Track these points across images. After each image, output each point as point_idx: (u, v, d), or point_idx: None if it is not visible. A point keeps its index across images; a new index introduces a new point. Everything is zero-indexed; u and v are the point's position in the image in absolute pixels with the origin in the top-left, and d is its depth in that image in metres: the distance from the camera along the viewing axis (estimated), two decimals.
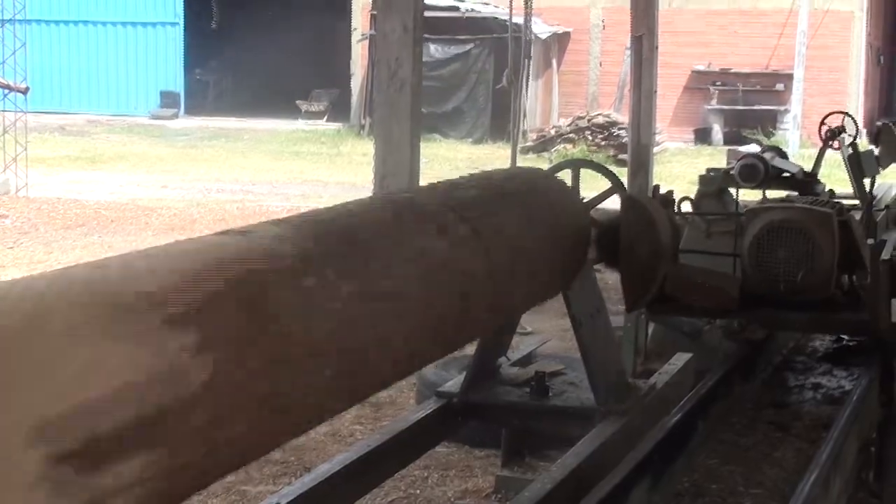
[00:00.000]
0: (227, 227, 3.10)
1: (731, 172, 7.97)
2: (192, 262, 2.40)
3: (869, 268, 4.35)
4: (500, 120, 28.34)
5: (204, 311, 2.27)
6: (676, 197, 5.15)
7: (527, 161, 22.44)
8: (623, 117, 24.89)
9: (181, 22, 36.53)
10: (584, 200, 4.71)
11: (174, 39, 36.47)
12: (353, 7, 34.33)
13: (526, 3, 10.20)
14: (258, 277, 2.48)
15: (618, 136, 26.76)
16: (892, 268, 4.17)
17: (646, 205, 4.26)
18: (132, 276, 2.27)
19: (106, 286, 2.18)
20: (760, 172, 7.83)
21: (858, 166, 9.08)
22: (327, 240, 2.84)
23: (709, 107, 32.86)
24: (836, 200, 5.47)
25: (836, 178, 8.93)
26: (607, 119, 28.66)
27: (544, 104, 32.66)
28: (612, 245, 4.20)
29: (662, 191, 5.03)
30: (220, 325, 2.29)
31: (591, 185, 6.53)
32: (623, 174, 13.95)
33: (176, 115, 35.15)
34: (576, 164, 5.23)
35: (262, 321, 2.42)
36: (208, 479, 2.31)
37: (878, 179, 9.89)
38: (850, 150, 9.19)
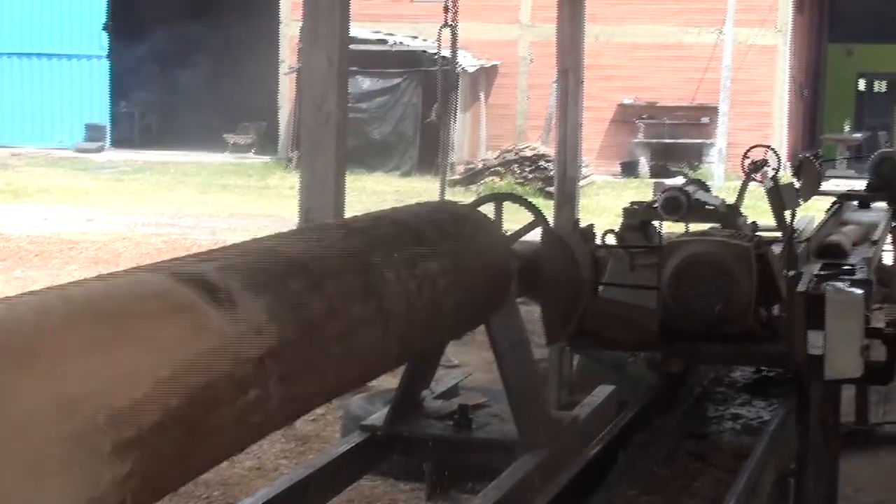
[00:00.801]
0: (151, 262, 3.09)
1: (655, 205, 8.05)
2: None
3: (785, 300, 4.42)
4: (429, 153, 28.45)
5: None
6: (600, 230, 5.19)
7: (455, 194, 22.51)
8: (551, 150, 25.00)
9: (106, 54, 36.35)
10: (508, 234, 4.73)
11: (100, 72, 36.29)
12: (281, 40, 34.33)
13: (452, 36, 10.24)
14: None
15: (545, 168, 26.90)
16: (807, 300, 4.23)
17: (566, 239, 4.30)
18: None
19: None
20: (683, 205, 7.90)
21: (779, 199, 9.19)
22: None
23: (635, 140, 33.12)
24: (757, 233, 5.53)
25: (761, 210, 9.04)
26: (535, 152, 28.79)
27: (472, 137, 32.76)
28: (533, 278, 4.23)
29: (587, 224, 5.08)
30: None
31: (520, 219, 6.58)
32: (551, 207, 14.04)
33: (101, 148, 34.92)
34: (498, 198, 5.25)
35: None
36: None
37: (801, 212, 10.01)
38: (771, 183, 9.30)
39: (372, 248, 3.45)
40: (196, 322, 2.48)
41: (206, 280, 2.63)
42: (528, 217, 5.96)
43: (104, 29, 36.26)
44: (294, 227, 6.85)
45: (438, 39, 10.63)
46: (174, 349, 2.38)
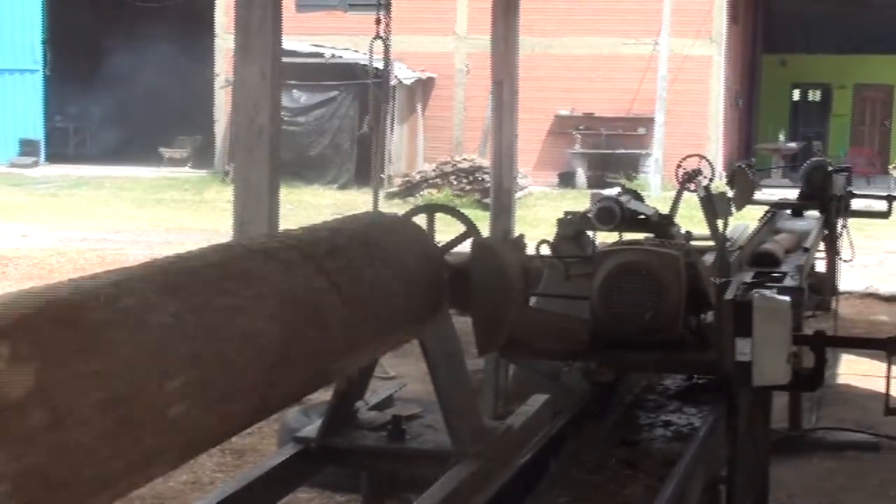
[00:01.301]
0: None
1: (589, 215, 8.11)
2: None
3: (714, 307, 4.45)
4: (365, 165, 28.41)
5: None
6: (535, 241, 5.22)
7: (392, 206, 22.53)
8: (488, 162, 25.12)
9: (41, 69, 36.11)
10: (440, 245, 4.74)
11: (34, 86, 36.04)
12: (216, 53, 34.24)
13: (385, 48, 10.27)
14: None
15: (483, 180, 26.99)
16: (735, 307, 4.25)
17: (496, 249, 4.31)
18: None
19: None
20: (616, 215, 7.97)
21: (712, 208, 9.27)
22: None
23: (572, 151, 33.27)
24: (690, 242, 5.56)
25: (697, 220, 9.12)
26: (472, 164, 28.88)
27: (409, 149, 32.80)
28: (463, 289, 4.24)
29: (518, 234, 5.10)
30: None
31: (457, 232, 6.59)
32: (487, 218, 14.08)
33: (36, 164, 34.70)
34: (430, 209, 5.27)
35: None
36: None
37: (736, 221, 10.10)
38: (704, 193, 9.38)
39: (303, 257, 3.46)
40: None
41: None
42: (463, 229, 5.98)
43: (43, 43, 36.03)
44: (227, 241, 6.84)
45: (370, 52, 10.66)
46: None
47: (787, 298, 4.42)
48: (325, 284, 3.46)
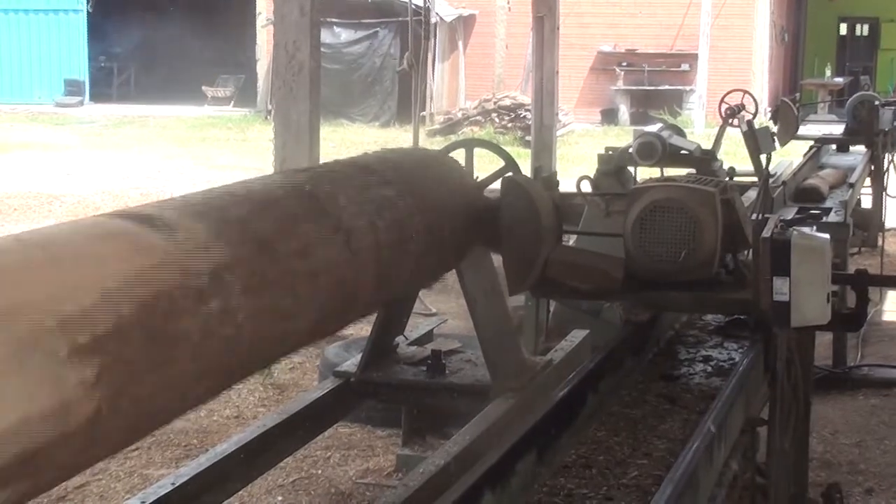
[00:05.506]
0: None
1: (630, 151, 8.10)
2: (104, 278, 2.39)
3: (751, 246, 4.39)
4: (407, 103, 28.19)
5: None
6: (576, 178, 5.19)
7: (434, 144, 22.49)
8: (530, 99, 25.03)
9: (84, 8, 36.14)
10: (479, 180, 4.73)
11: (77, 26, 36.07)
12: None
13: None
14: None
15: (524, 117, 26.88)
16: (772, 245, 4.18)
17: (526, 186, 4.27)
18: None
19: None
20: (658, 150, 7.96)
21: (755, 143, 9.25)
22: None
23: (615, 87, 33.09)
24: (734, 178, 5.51)
25: (741, 157, 9.09)
26: (514, 101, 28.76)
27: (451, 87, 32.69)
28: (494, 227, 4.22)
29: (552, 171, 5.10)
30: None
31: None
32: (529, 156, 14.08)
33: (81, 103, 34.79)
34: (469, 144, 5.26)
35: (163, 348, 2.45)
36: None
37: (781, 156, 10.06)
38: (746, 128, 9.36)
39: (332, 183, 3.46)
40: (132, 242, 2.51)
41: (139, 213, 2.70)
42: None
43: None
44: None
45: None
46: (116, 264, 2.41)
47: (826, 236, 4.35)
48: (364, 218, 3.46)
